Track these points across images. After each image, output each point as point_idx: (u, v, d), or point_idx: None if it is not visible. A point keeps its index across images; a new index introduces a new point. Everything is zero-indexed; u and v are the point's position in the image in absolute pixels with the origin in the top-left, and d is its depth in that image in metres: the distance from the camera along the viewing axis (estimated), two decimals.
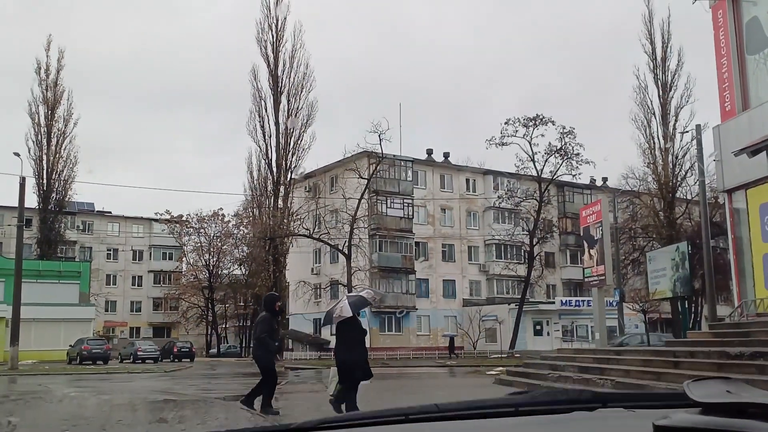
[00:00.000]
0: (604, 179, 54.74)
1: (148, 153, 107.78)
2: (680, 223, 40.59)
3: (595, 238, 21.97)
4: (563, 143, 39.65)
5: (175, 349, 45.97)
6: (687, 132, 34.46)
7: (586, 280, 23.38)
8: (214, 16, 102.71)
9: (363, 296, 11.17)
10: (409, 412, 1.43)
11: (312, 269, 48.96)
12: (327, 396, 10.95)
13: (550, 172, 40.77)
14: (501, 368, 23.93)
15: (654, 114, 38.54)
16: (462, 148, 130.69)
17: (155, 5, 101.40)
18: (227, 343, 63.68)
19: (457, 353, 41.35)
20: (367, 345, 11.54)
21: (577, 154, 39.81)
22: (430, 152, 51.39)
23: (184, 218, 60.27)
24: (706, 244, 22.79)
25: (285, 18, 43.69)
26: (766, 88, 16.94)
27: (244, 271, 57.30)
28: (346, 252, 39.81)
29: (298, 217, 43.67)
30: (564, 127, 39.57)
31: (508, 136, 39.82)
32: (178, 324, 65.78)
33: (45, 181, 48.40)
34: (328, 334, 47.07)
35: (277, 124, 43.23)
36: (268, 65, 43.49)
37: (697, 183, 26.79)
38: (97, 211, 66.73)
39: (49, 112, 48.51)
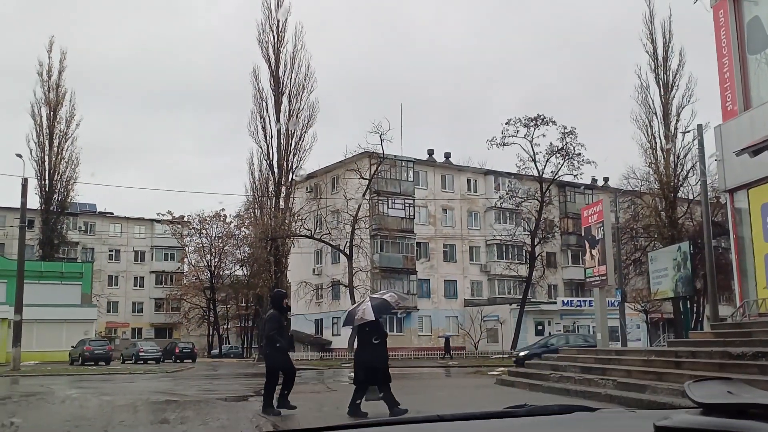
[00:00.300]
0: (606, 179, 54.78)
1: (149, 153, 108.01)
2: (682, 223, 40.52)
3: (597, 238, 21.95)
4: (564, 143, 39.62)
5: (177, 350, 46.05)
6: (688, 132, 34.45)
7: (587, 280, 23.35)
8: (215, 16, 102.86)
9: (386, 300, 10.66)
10: (413, 420, 1.44)
11: (313, 270, 48.98)
12: (329, 396, 10.93)
13: (552, 172, 40.75)
14: (502, 368, 23.94)
15: (655, 114, 38.49)
16: (463, 149, 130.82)
17: (156, 6, 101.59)
18: (229, 343, 63.72)
19: (452, 354, 41.35)
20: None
21: (579, 154, 39.77)
22: (431, 152, 51.40)
23: (185, 219, 60.36)
24: (708, 244, 22.75)
25: (286, 19, 43.77)
26: (767, 87, 16.93)
27: (245, 271, 57.35)
28: (348, 252, 39.81)
29: (300, 217, 43.69)
30: (565, 127, 39.55)
31: (509, 137, 39.78)
32: (179, 325, 65.85)
33: (47, 182, 48.44)
34: (329, 334, 47.43)
35: (278, 124, 43.29)
36: (269, 66, 43.54)
37: (699, 183, 26.75)
38: (99, 212, 66.82)
39: (51, 113, 48.56)
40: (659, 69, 38.38)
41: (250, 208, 49.45)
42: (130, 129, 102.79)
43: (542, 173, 40.64)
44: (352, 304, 39.65)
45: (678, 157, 38.95)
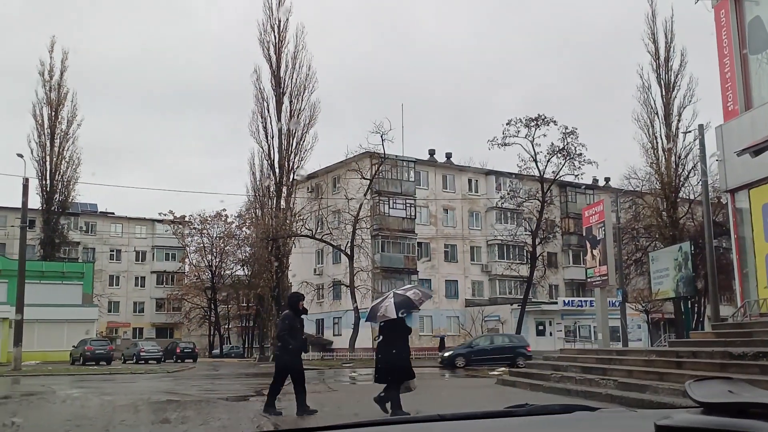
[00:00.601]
0: (607, 179, 54.70)
1: (150, 154, 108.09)
2: (683, 223, 40.47)
3: (598, 239, 21.96)
4: (565, 143, 39.58)
5: (178, 350, 46.09)
6: (690, 132, 34.35)
7: (588, 280, 23.36)
8: (216, 17, 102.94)
9: (409, 297, 10.20)
10: (413, 420, 1.44)
11: (314, 270, 48.99)
12: (330, 396, 10.90)
13: (553, 172, 40.71)
14: (503, 369, 23.94)
15: (657, 114, 38.43)
16: (464, 149, 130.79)
17: (157, 7, 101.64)
18: (230, 343, 63.71)
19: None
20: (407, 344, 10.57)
21: (580, 155, 39.73)
22: (432, 153, 51.39)
23: (186, 219, 60.38)
24: (709, 244, 22.73)
25: (287, 19, 43.69)
26: None
27: (246, 271, 57.34)
28: (349, 253, 39.82)
29: (301, 217, 43.68)
30: (566, 127, 39.50)
31: (509, 137, 39.71)
32: (180, 325, 65.87)
33: (48, 182, 48.47)
34: (330, 334, 47.42)
35: (279, 124, 43.27)
36: (271, 66, 43.50)
37: (700, 183, 26.69)
38: (100, 212, 66.85)
39: (53, 113, 48.60)
40: (661, 69, 38.34)
41: (251, 208, 49.45)
42: (131, 129, 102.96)
43: (543, 173, 40.62)
44: (353, 304, 39.70)
45: (679, 157, 38.90)
